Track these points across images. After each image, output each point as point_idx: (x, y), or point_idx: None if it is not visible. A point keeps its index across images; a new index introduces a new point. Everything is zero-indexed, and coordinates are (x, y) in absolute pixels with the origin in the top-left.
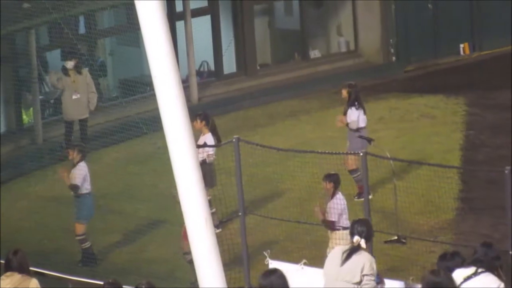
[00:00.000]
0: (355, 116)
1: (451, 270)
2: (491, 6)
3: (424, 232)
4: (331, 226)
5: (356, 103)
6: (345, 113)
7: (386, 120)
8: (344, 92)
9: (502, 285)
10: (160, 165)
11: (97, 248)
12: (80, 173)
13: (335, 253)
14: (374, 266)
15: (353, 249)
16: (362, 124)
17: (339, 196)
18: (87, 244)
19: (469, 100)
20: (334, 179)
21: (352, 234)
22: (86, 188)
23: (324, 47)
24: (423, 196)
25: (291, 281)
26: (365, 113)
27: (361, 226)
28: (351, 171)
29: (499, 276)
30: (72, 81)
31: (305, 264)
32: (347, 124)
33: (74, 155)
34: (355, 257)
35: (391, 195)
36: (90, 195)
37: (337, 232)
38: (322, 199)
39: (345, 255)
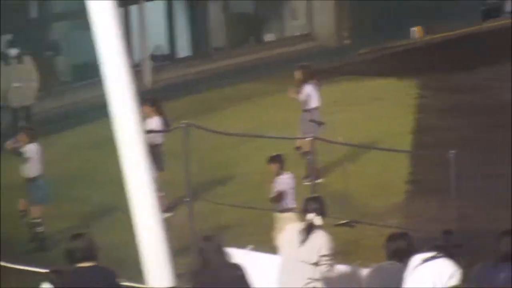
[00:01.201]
0: (309, 91)
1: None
2: None
3: (374, 216)
4: (279, 198)
5: (310, 82)
6: (298, 93)
7: (339, 103)
8: (298, 74)
9: (458, 272)
10: (112, 151)
11: (50, 234)
12: (31, 149)
13: (290, 233)
14: (331, 245)
15: (309, 228)
16: (314, 104)
17: (287, 175)
18: (41, 229)
19: (421, 83)
20: (278, 160)
21: (305, 212)
22: (38, 170)
23: (278, 31)
24: (373, 179)
25: None
26: (318, 93)
27: (315, 203)
28: (305, 153)
29: (457, 263)
30: (13, 70)
31: (251, 249)
32: (299, 98)
33: (24, 138)
34: (313, 237)
35: (342, 179)
36: (42, 178)
37: (284, 213)
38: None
39: (302, 234)
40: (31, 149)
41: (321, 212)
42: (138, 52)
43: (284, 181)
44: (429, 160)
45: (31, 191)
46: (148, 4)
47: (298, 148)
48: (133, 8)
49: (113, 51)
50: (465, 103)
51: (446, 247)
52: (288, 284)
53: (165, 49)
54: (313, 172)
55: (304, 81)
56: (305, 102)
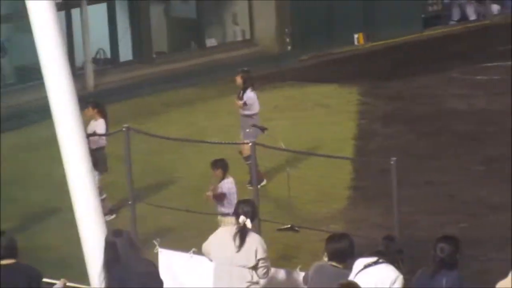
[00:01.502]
0: (253, 96)
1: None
2: None
3: (316, 221)
4: (220, 198)
5: (250, 87)
6: (239, 98)
7: (281, 108)
8: (239, 79)
9: (400, 277)
10: (54, 152)
11: None
12: None
13: (222, 236)
14: (265, 247)
15: (243, 232)
16: (256, 109)
17: (229, 179)
18: None
19: (362, 90)
20: (221, 165)
21: (237, 215)
22: None
23: (220, 36)
24: (316, 185)
25: (180, 270)
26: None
27: (246, 206)
28: (246, 158)
29: (399, 269)
30: None
31: (194, 252)
32: (244, 104)
33: None
34: (247, 240)
35: (284, 184)
36: None
37: (226, 218)
38: (215, 186)
39: (237, 239)
40: None
41: (251, 215)
42: (81, 56)
43: (226, 186)
44: (371, 166)
45: None
46: (90, 7)
47: (240, 152)
48: (75, 12)
49: (53, 54)
50: (406, 110)
51: (387, 253)
52: None
53: (107, 53)
54: (256, 177)
55: (245, 86)
56: (247, 107)
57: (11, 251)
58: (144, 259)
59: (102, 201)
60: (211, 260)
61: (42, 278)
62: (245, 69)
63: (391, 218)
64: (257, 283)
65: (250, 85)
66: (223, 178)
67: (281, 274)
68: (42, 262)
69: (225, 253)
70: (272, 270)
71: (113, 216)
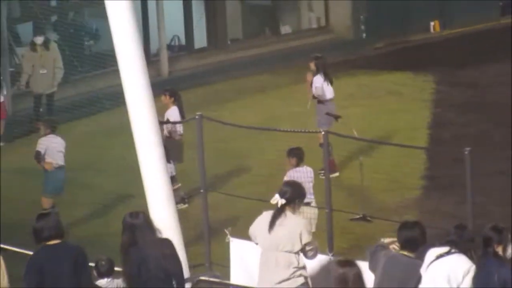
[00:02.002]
0: (319, 83)
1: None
2: None
3: (389, 210)
4: None
5: (322, 73)
6: (311, 84)
7: (355, 96)
8: (312, 65)
9: (473, 266)
10: (128, 138)
11: (63, 221)
12: (44, 143)
13: (267, 220)
14: (310, 229)
15: (276, 213)
16: (328, 95)
17: (303, 168)
18: None
19: (437, 78)
20: (296, 153)
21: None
22: (53, 161)
23: (295, 23)
24: (389, 174)
25: (252, 260)
26: (331, 84)
27: (286, 186)
28: (321, 145)
29: (471, 259)
30: (40, 56)
31: None
32: (313, 97)
33: (42, 129)
34: (287, 223)
35: (357, 173)
36: (61, 169)
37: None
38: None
39: (271, 221)
40: (47, 139)
41: (289, 197)
42: (156, 42)
43: (302, 174)
44: (445, 156)
45: (44, 181)
46: None
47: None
48: None
49: (128, 41)
50: (481, 99)
51: (459, 242)
52: (273, 275)
53: (181, 39)
54: (328, 166)
55: (317, 72)
56: (316, 94)
57: (57, 232)
58: (163, 239)
59: (176, 190)
60: (257, 244)
61: (86, 256)
62: (318, 55)
63: (464, 208)
64: (303, 267)
65: (320, 71)
66: (296, 166)
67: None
68: (115, 249)
69: (270, 238)
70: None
71: (185, 205)
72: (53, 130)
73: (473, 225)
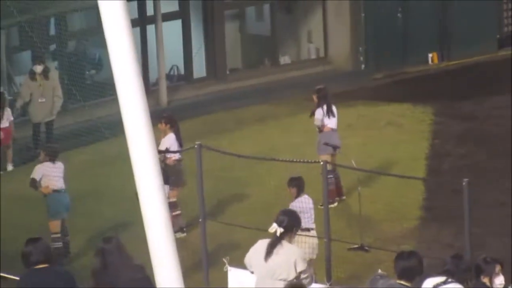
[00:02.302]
0: (320, 115)
1: (418, 276)
2: (460, 16)
3: (388, 240)
4: None
5: (323, 105)
6: (312, 115)
7: (354, 127)
8: (314, 97)
9: None
10: (127, 167)
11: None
12: (39, 170)
13: (263, 248)
14: (305, 257)
15: (274, 242)
16: (330, 125)
17: (304, 198)
18: (58, 244)
19: (435, 109)
20: (297, 183)
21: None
22: (50, 185)
23: (294, 53)
24: (387, 204)
25: None
26: (332, 116)
27: (283, 215)
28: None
29: None
30: (39, 85)
31: None
32: (318, 128)
33: (42, 155)
34: (282, 252)
35: (356, 202)
36: (61, 193)
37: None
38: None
39: (267, 249)
40: (44, 165)
41: (286, 225)
42: (155, 71)
43: (296, 205)
44: (444, 186)
45: (46, 205)
46: (165, 24)
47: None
48: (150, 28)
49: (127, 69)
50: (479, 131)
51: (456, 272)
52: None
53: (181, 69)
54: (333, 194)
55: (319, 104)
56: (317, 122)
57: (46, 257)
58: (135, 265)
59: (176, 217)
60: (252, 273)
61: (75, 282)
62: (320, 87)
63: (462, 238)
64: None
65: (322, 103)
66: (297, 196)
67: None
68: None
69: (266, 266)
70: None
71: (183, 234)
72: (53, 157)
73: (470, 256)
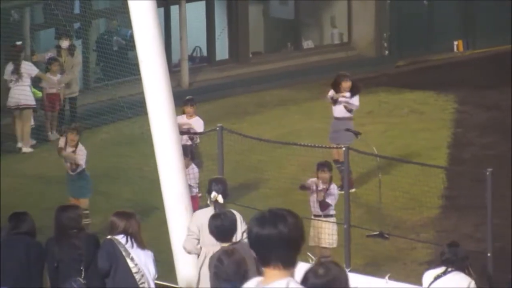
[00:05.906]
0: (357, 102)
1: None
2: (486, 4)
3: (407, 228)
4: (325, 207)
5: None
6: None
7: (375, 114)
8: (349, 84)
9: (473, 283)
10: (146, 148)
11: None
12: (84, 154)
13: (206, 218)
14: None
15: (217, 207)
16: (337, 114)
17: (334, 185)
18: (88, 220)
19: (459, 98)
20: (331, 168)
21: (209, 192)
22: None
23: (317, 38)
24: (407, 192)
25: None
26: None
27: (217, 184)
28: (339, 162)
29: (469, 275)
30: (63, 61)
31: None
32: (349, 110)
33: (73, 136)
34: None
35: (375, 189)
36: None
37: (320, 221)
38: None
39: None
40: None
41: (223, 193)
42: (177, 53)
43: (335, 189)
44: (465, 176)
45: (81, 184)
46: (189, 5)
47: (335, 161)
48: (174, 9)
49: (151, 50)
50: (503, 120)
51: (455, 260)
52: None
53: (203, 51)
54: (347, 182)
55: (353, 88)
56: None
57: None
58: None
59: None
60: (197, 239)
61: (43, 252)
62: (341, 73)
63: (481, 229)
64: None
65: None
66: (331, 182)
67: (369, 281)
68: None
69: (207, 234)
70: (360, 277)
71: None
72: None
73: (492, 247)
